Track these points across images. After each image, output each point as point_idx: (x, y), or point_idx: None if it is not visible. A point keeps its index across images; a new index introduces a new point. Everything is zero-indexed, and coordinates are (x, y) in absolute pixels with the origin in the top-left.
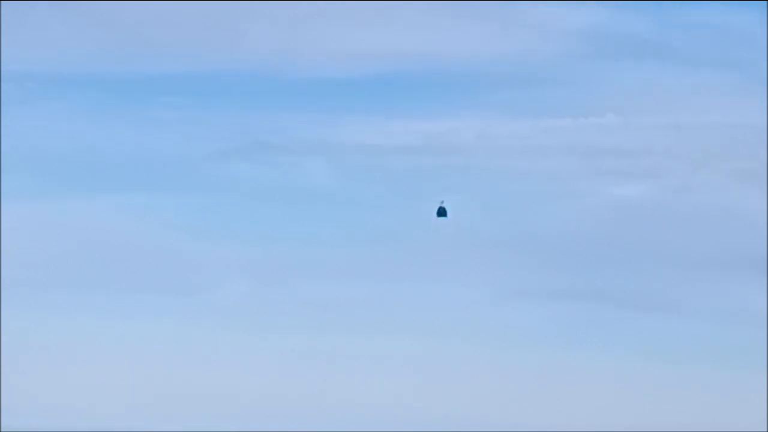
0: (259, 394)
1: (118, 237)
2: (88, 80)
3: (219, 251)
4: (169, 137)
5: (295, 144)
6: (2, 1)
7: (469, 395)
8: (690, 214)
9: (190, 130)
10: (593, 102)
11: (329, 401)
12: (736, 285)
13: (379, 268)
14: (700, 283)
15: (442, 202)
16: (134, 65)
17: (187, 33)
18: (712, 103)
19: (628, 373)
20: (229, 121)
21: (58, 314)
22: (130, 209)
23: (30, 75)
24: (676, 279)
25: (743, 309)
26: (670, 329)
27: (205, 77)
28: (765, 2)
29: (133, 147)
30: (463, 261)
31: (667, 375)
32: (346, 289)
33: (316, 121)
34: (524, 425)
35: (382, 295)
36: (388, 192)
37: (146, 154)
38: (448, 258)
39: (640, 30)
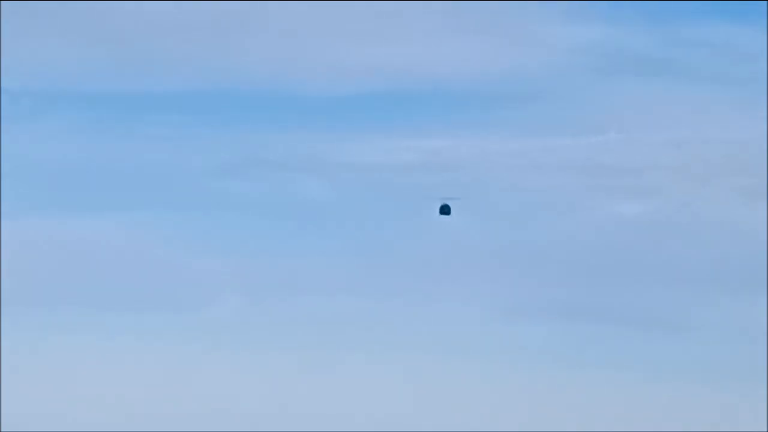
0: (254, 410)
1: (114, 253)
2: (83, 97)
3: (216, 267)
4: (165, 154)
5: (292, 161)
6: None
7: (467, 413)
8: (692, 231)
9: (186, 147)
10: (594, 119)
11: (325, 418)
12: (739, 301)
13: (378, 285)
14: (702, 299)
15: (445, 200)
16: (130, 82)
17: (184, 51)
18: (714, 119)
19: (630, 390)
20: (225, 139)
21: (53, 330)
22: (126, 226)
23: (26, 92)
24: (678, 296)
25: (746, 326)
26: (672, 346)
27: (201, 95)
28: (766, 19)
29: (130, 164)
30: (462, 277)
31: (670, 393)
32: (344, 306)
33: (313, 139)
34: None
35: (380, 311)
36: (387, 208)
37: (143, 171)
38: (447, 274)
39: (641, 47)
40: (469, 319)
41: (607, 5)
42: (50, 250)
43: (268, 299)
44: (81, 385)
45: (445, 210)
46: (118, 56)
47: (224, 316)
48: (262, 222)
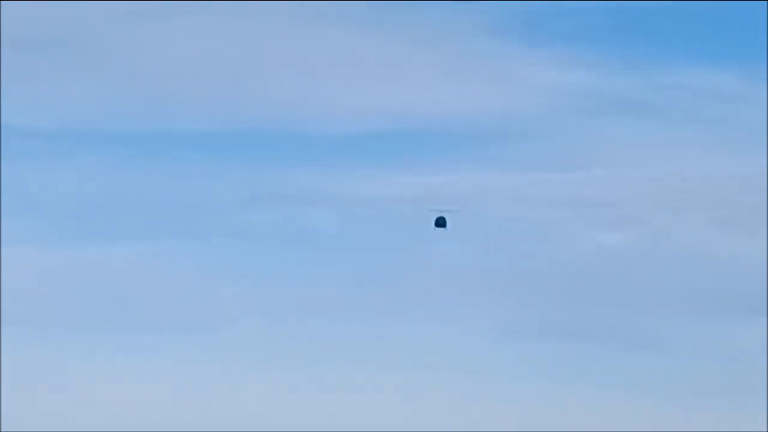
0: (265, 422)
1: (140, 278)
2: (114, 136)
3: (233, 291)
4: (187, 188)
5: (303, 194)
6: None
7: (463, 422)
8: (669, 258)
9: (207, 182)
10: (580, 156)
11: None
12: (712, 322)
13: (381, 308)
14: (678, 321)
15: (441, 212)
16: (156, 122)
17: (206, 94)
18: (689, 156)
19: (612, 403)
20: (242, 174)
21: (81, 347)
22: (152, 253)
23: (63, 131)
24: (656, 317)
25: (719, 344)
26: (648, 363)
27: (221, 134)
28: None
29: (156, 197)
30: (460, 301)
31: (647, 407)
32: (350, 327)
33: (322, 174)
34: None
35: (383, 332)
36: (389, 238)
37: (167, 204)
38: (445, 298)
39: (623, 90)
40: (465, 338)
41: (592, 52)
42: (82, 275)
43: (282, 321)
44: (100, 401)
45: (440, 222)
46: (145, 99)
47: (240, 336)
48: (276, 250)
